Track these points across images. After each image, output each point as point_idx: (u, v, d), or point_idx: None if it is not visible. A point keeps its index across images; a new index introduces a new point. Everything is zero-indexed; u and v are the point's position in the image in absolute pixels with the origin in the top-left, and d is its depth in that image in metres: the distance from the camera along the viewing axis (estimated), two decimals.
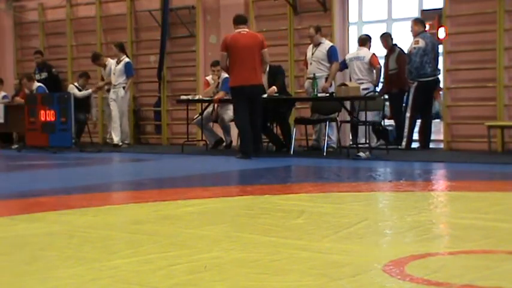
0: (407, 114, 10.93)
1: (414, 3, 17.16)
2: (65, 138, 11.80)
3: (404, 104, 11.68)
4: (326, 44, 10.94)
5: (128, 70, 12.72)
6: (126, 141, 12.85)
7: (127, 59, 12.79)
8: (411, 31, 10.97)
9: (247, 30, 9.98)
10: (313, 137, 11.26)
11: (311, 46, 11.04)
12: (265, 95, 10.33)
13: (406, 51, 11.12)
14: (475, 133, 10.87)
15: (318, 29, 10.93)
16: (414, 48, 10.71)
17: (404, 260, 3.26)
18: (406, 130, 10.95)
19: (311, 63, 10.91)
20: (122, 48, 12.88)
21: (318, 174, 8.25)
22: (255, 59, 9.70)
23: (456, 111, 11.25)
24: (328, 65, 10.85)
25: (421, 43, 10.71)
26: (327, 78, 10.82)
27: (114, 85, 12.68)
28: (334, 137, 10.88)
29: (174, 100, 13.29)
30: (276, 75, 10.87)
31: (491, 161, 9.11)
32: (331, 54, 10.83)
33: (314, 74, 10.54)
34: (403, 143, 10.97)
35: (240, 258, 3.39)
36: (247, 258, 3.37)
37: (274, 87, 10.56)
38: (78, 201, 5.77)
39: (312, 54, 10.92)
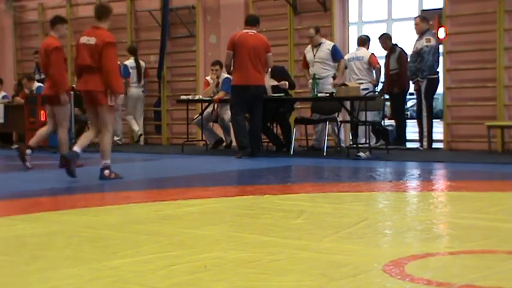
0: (424, 114, 10.80)
1: (414, 3, 17.12)
2: None
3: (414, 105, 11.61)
4: (327, 43, 10.91)
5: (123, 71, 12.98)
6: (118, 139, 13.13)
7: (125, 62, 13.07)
8: (415, 28, 10.93)
9: (254, 31, 10.01)
10: (314, 137, 11.24)
11: (309, 47, 11.01)
12: (272, 94, 10.45)
13: (412, 49, 10.91)
14: (475, 133, 10.86)
15: (317, 30, 10.93)
16: (427, 46, 10.63)
17: (404, 260, 3.26)
18: (425, 130, 10.82)
19: (313, 65, 10.87)
20: (128, 51, 13.24)
21: (318, 174, 8.25)
22: (260, 60, 9.85)
23: (456, 111, 11.25)
24: (332, 64, 10.81)
25: (433, 41, 10.71)
26: (333, 77, 10.78)
27: None
28: (342, 136, 10.90)
29: (174, 100, 13.29)
30: (283, 74, 11.01)
31: (491, 161, 9.11)
32: (335, 52, 10.82)
33: (314, 75, 10.55)
34: (424, 144, 10.84)
35: (240, 258, 3.39)
36: (247, 258, 3.37)
37: (285, 82, 10.77)
38: (78, 201, 5.77)
39: (314, 55, 10.89)
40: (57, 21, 8.90)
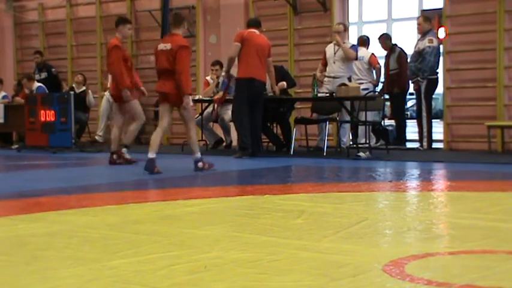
0: (424, 114, 10.78)
1: (414, 3, 17.16)
2: (65, 138, 11.80)
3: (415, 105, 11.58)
4: (348, 44, 10.74)
5: None
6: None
7: None
8: (417, 28, 10.92)
9: (259, 32, 10.05)
10: (319, 137, 11.06)
11: (332, 44, 10.75)
12: (273, 93, 10.38)
13: (414, 49, 10.91)
14: (475, 133, 10.87)
15: (346, 27, 10.83)
16: (429, 47, 10.62)
17: (404, 260, 3.26)
18: (425, 131, 10.81)
19: (334, 62, 10.63)
20: None
21: (318, 174, 8.25)
22: (264, 58, 9.90)
23: (456, 111, 11.25)
24: (350, 65, 10.72)
25: (435, 42, 10.71)
26: (349, 79, 10.64)
27: None
28: (345, 139, 10.85)
29: None
30: (282, 74, 10.92)
31: (491, 161, 9.11)
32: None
33: (314, 74, 10.53)
34: (424, 144, 10.83)
35: (240, 258, 3.39)
36: (247, 258, 3.37)
37: (284, 82, 10.63)
38: (78, 201, 5.77)
39: (335, 53, 10.65)
40: (119, 22, 9.25)
